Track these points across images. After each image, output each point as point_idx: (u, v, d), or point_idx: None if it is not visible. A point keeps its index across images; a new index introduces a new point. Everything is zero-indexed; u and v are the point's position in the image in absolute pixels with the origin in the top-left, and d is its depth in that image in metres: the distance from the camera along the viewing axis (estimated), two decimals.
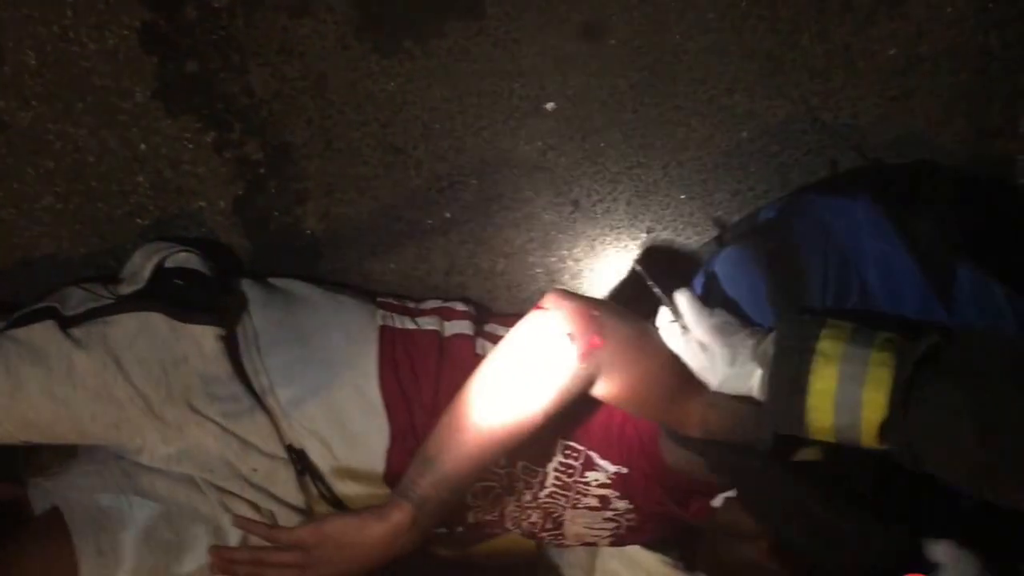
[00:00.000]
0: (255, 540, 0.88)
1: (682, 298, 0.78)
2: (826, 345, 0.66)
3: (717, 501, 0.89)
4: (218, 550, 0.80)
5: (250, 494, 0.88)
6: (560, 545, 1.01)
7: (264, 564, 0.81)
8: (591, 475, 0.90)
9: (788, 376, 0.67)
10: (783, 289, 0.83)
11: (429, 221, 1.01)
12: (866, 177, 1.04)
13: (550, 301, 0.81)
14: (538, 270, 1.06)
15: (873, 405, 0.64)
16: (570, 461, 0.90)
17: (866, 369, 0.64)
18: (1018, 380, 0.61)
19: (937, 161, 1.06)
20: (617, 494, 0.90)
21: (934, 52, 1.01)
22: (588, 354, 0.77)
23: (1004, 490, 0.63)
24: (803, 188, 1.05)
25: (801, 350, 0.67)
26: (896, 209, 0.88)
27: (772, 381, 0.69)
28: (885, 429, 0.65)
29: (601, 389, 0.80)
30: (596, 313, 0.80)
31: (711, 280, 0.89)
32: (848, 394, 0.65)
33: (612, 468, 0.89)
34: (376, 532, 0.77)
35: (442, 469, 0.76)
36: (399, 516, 0.77)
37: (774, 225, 0.90)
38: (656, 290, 0.78)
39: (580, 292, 1.04)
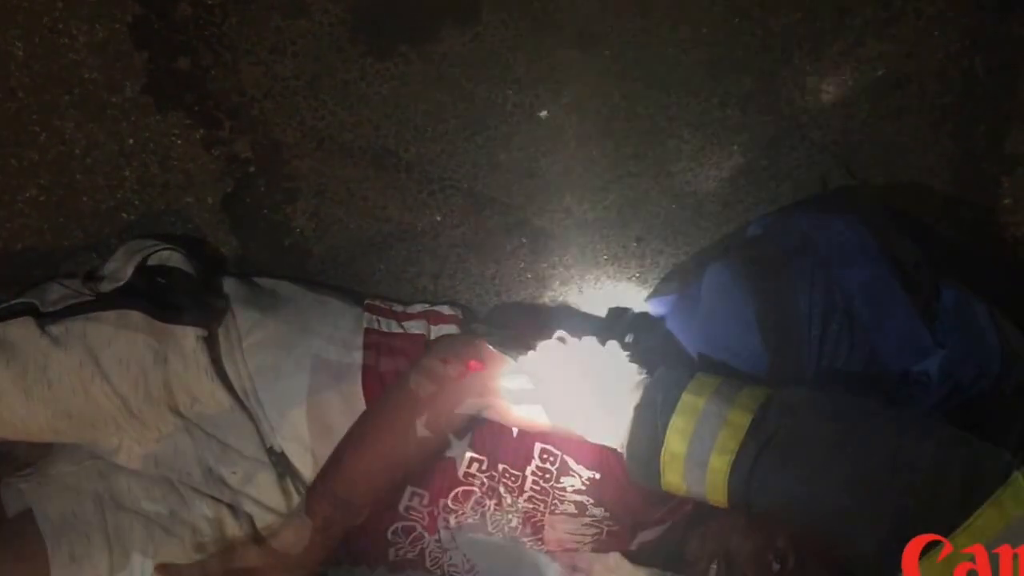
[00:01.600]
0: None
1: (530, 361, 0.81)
2: (673, 441, 0.74)
3: None
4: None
5: (229, 497, 0.87)
6: (543, 550, 1.00)
7: None
8: (566, 480, 0.90)
9: (642, 462, 0.76)
10: (770, 307, 0.84)
11: (419, 224, 1.01)
12: (853, 196, 1.06)
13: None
14: (528, 276, 1.06)
15: (716, 500, 0.74)
16: (547, 465, 0.90)
17: (704, 475, 0.74)
18: (838, 459, 0.68)
19: (923, 182, 1.08)
20: (592, 501, 0.90)
21: (921, 74, 1.02)
22: (463, 375, 0.82)
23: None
24: (791, 205, 1.06)
25: (653, 441, 0.74)
26: (882, 228, 0.89)
27: (631, 464, 0.77)
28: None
29: (499, 414, 0.83)
30: (477, 342, 0.85)
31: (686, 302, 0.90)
32: (695, 484, 0.74)
33: (586, 473, 0.89)
34: (282, 543, 0.81)
35: (332, 483, 0.80)
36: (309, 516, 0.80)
37: (762, 242, 0.91)
38: (509, 353, 0.83)
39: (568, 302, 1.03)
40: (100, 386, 0.84)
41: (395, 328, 0.96)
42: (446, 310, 1.00)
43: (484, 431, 0.89)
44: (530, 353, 0.81)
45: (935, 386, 0.85)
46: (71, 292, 0.89)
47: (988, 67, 1.03)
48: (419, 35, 0.93)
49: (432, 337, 0.96)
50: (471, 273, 1.04)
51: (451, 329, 0.97)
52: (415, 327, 0.96)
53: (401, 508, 0.90)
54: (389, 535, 0.92)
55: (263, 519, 0.89)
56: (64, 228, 0.95)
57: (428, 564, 0.96)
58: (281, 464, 0.90)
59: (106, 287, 0.89)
